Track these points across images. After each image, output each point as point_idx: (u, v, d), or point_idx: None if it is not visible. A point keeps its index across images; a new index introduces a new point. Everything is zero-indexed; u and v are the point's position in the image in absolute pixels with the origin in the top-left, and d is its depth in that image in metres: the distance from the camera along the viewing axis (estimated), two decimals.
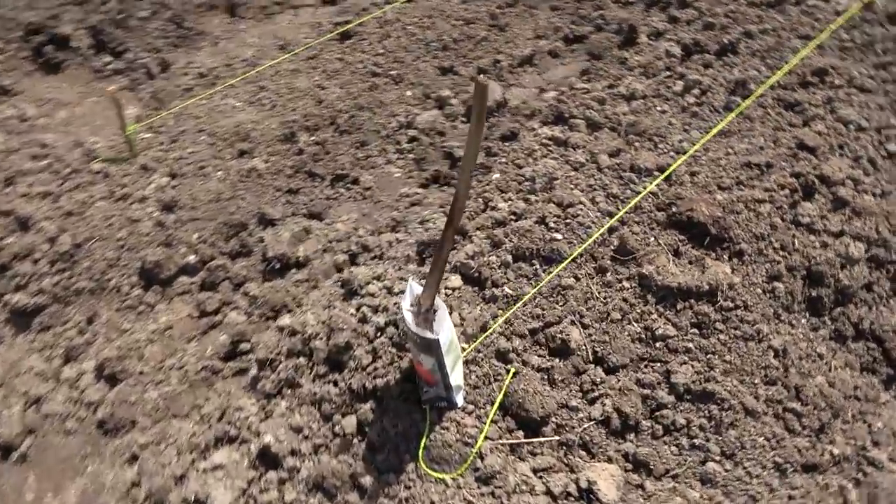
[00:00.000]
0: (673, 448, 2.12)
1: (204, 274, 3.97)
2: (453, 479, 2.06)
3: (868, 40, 3.23)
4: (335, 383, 2.31)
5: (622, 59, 3.74)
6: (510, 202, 2.87)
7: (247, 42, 5.99)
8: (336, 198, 4.38)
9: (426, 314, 1.90)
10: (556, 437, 2.16)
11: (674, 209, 2.62)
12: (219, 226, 4.16)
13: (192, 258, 3.98)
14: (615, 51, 3.89)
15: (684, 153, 2.92)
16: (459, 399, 2.20)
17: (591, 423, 2.18)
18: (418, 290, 1.97)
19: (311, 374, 2.38)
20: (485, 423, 2.13)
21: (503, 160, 3.25)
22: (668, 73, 3.43)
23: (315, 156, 4.56)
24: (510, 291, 2.49)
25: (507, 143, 3.36)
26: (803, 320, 2.35)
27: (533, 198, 2.84)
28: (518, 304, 2.41)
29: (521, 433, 2.14)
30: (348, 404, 2.25)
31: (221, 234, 4.14)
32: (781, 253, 2.45)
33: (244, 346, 3.25)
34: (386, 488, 2.08)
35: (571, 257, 2.52)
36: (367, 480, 2.11)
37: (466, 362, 2.29)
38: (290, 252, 3.89)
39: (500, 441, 2.11)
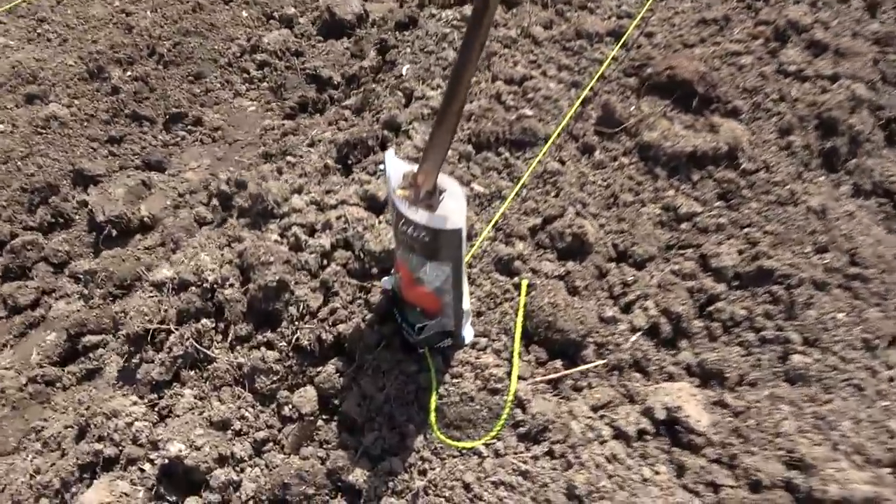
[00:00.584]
0: (738, 348, 1.61)
1: (5, 258, 2.85)
2: (488, 444, 1.37)
3: None
4: (269, 345, 1.50)
5: None
6: (440, 89, 2.17)
7: None
8: (177, 143, 3.36)
9: (429, 199, 1.18)
10: (603, 361, 1.55)
11: (649, 70, 2.09)
12: (16, 193, 2.98)
13: None
14: None
15: (627, 16, 2.41)
16: (469, 333, 1.51)
17: (638, 334, 1.60)
18: (402, 165, 1.23)
19: (226, 339, 1.54)
20: (510, 359, 1.47)
21: (407, 50, 2.53)
22: None
23: (137, 94, 3.46)
24: (481, 189, 1.82)
25: (406, 33, 2.64)
26: (822, 177, 1.96)
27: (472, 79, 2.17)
28: (511, 195, 1.75)
29: (558, 363, 1.51)
30: (298, 371, 1.47)
31: (22, 203, 2.98)
32: (783, 104, 2.04)
33: (90, 339, 2.25)
34: (389, 481, 1.34)
35: (556, 134, 1.89)
36: (357, 476, 1.35)
37: None
38: (128, 212, 2.87)
39: (538, 379, 1.46)
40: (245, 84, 3.61)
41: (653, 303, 1.64)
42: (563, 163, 1.89)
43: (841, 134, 1.98)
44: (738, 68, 2.14)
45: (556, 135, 1.88)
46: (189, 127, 3.42)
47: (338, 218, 1.66)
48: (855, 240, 1.81)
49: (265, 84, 3.60)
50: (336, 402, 1.44)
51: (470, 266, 1.64)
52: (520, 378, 1.45)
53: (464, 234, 1.23)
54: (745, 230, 1.78)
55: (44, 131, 3.24)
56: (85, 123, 3.32)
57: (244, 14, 3.95)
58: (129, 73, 3.55)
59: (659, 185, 1.84)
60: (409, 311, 1.42)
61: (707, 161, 1.87)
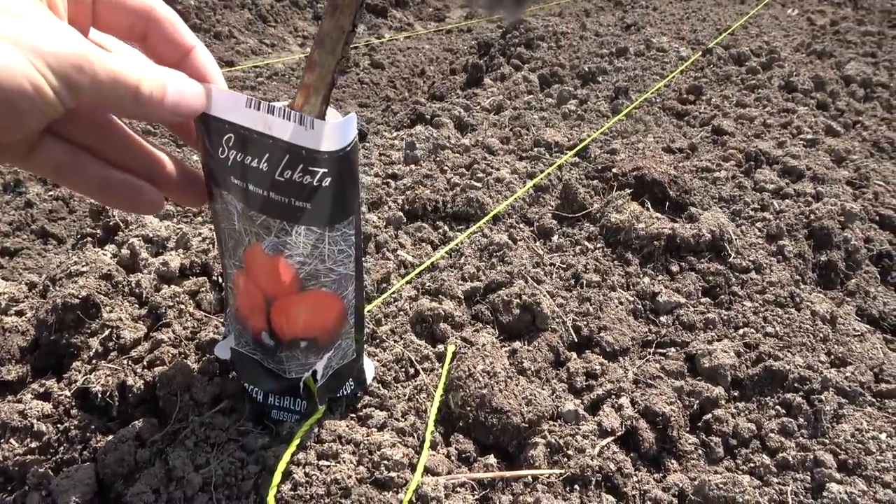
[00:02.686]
0: (754, 476, 1.08)
1: None
2: None
3: (724, 74, 2.96)
4: (45, 395, 0.91)
5: (472, 94, 3.08)
6: (374, 174, 1.82)
7: None
8: None
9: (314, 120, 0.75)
10: (560, 470, 1.00)
11: (615, 171, 1.80)
12: None
13: None
14: (459, 91, 3.24)
15: (592, 140, 2.19)
16: (369, 368, 0.97)
17: (609, 439, 1.07)
18: (271, 106, 0.81)
19: None
20: (419, 446, 0.91)
21: (370, 153, 2.24)
22: (531, 95, 2.81)
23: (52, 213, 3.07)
24: (410, 258, 1.38)
25: (364, 142, 2.38)
26: (821, 294, 1.58)
27: (415, 166, 1.85)
28: (430, 260, 1.30)
29: (491, 459, 0.95)
30: (76, 438, 0.87)
31: None
32: (765, 213, 1.72)
33: None
34: None
35: (493, 213, 1.50)
36: None
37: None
38: None
39: (460, 478, 0.89)
40: None
41: (629, 400, 1.13)
42: (514, 240, 1.49)
43: (836, 247, 1.65)
44: (711, 181, 1.87)
45: (500, 207, 1.50)
46: None
47: (203, 238, 1.18)
48: (876, 357, 1.37)
49: None
50: (121, 488, 0.84)
51: (377, 323, 1.14)
52: (430, 472, 0.89)
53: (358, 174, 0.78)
54: (742, 330, 1.34)
55: None
56: None
57: None
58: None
59: (631, 271, 1.43)
60: (287, 359, 0.89)
61: (687, 251, 1.49)
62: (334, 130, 0.74)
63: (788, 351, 1.29)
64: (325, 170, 0.74)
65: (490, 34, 4.47)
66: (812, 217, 1.69)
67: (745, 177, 1.92)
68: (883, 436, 1.15)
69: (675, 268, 1.46)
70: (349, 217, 0.79)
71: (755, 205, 1.75)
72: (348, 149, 0.75)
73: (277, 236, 0.78)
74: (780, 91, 2.80)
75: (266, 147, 0.73)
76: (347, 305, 0.85)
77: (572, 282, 1.39)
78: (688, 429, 1.15)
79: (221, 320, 1.03)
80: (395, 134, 2.43)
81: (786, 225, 1.66)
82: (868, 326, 1.59)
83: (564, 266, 1.43)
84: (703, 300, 1.41)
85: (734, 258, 1.49)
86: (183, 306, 1.01)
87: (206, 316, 1.03)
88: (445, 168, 1.78)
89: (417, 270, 1.26)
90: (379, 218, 1.49)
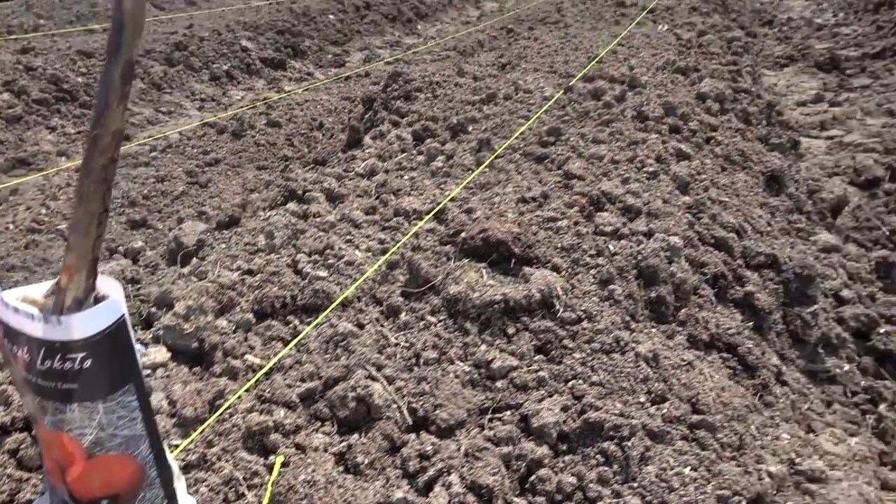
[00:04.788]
0: None
1: None
2: None
3: (583, 110, 3.16)
4: None
5: (351, 157, 3.19)
6: (237, 267, 1.89)
7: None
8: None
9: (78, 308, 0.81)
10: None
11: (463, 236, 1.92)
12: None
13: None
14: (339, 154, 3.35)
15: (452, 200, 2.32)
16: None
17: None
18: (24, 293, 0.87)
19: None
20: None
21: (222, 246, 2.29)
22: (405, 153, 2.94)
23: None
24: (257, 361, 1.45)
25: (225, 232, 2.43)
26: (653, 329, 1.72)
27: (273, 256, 1.91)
28: (273, 361, 1.37)
29: None
30: None
31: None
32: (600, 258, 1.86)
33: None
34: None
35: (340, 298, 1.60)
36: None
37: (189, 468, 1.14)
38: None
39: None
40: None
41: (457, 477, 1.22)
42: (361, 326, 1.58)
43: (663, 282, 1.81)
44: (555, 231, 2.01)
45: (348, 292, 1.59)
46: None
47: None
48: (695, 387, 1.52)
49: None
50: None
51: (207, 444, 1.20)
52: None
53: (133, 336, 0.85)
54: (570, 383, 1.46)
55: None
56: None
57: None
58: None
59: (469, 341, 1.54)
60: None
61: (521, 312, 1.61)
62: (88, 318, 0.80)
63: (610, 398, 1.42)
64: (84, 353, 0.81)
65: (374, 87, 4.60)
66: (640, 257, 1.85)
67: (586, 222, 2.08)
68: (687, 469, 1.28)
69: (511, 330, 1.58)
70: (125, 386, 0.86)
71: (592, 251, 1.90)
72: (108, 330, 0.82)
73: (54, 415, 0.84)
74: (633, 121, 3.02)
75: (25, 340, 0.79)
76: (143, 462, 0.92)
77: (413, 360, 1.49)
78: (517, 492, 1.26)
79: (41, 477, 1.08)
80: (266, 215, 2.50)
81: (617, 268, 1.81)
82: (697, 353, 1.75)
83: (408, 345, 1.53)
84: (536, 358, 1.53)
85: (564, 312, 1.63)
86: (2, 468, 1.05)
87: (25, 475, 1.07)
88: (299, 258, 1.86)
89: (254, 379, 1.33)
90: (229, 322, 1.56)
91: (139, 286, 3.33)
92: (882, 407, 2.27)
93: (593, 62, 4.43)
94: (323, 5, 9.93)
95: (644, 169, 2.48)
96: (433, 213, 2.12)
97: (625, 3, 7.42)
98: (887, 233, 3.59)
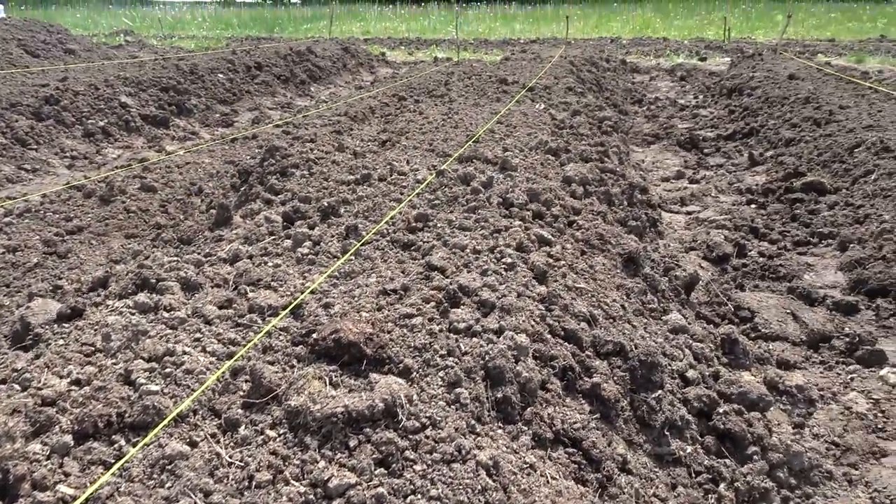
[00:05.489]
0: None
1: None
2: None
3: (453, 195, 3.26)
4: None
5: (217, 238, 3.10)
6: (68, 374, 1.76)
7: None
8: None
9: None
10: None
11: (315, 336, 1.89)
12: None
13: None
14: (206, 232, 3.24)
15: (311, 292, 2.29)
16: None
17: None
18: None
19: None
20: None
21: (60, 342, 2.13)
22: (272, 237, 2.89)
23: None
24: (70, 491, 1.33)
25: (66, 325, 2.26)
26: (500, 430, 1.76)
27: (109, 361, 1.80)
28: (89, 492, 1.26)
29: None
30: None
31: None
32: (450, 359, 1.89)
33: None
34: None
35: (173, 414, 1.52)
36: None
37: None
38: None
39: None
40: None
41: None
42: (193, 444, 1.51)
43: (509, 382, 1.86)
44: (409, 329, 2.03)
45: (183, 406, 1.51)
46: None
47: None
48: (532, 493, 1.55)
49: None
50: None
51: None
52: None
53: None
54: (409, 499, 1.45)
55: None
56: None
57: None
58: None
59: (308, 458, 1.51)
60: None
61: (364, 423, 1.60)
62: None
63: None
64: None
65: (251, 160, 4.54)
66: (488, 357, 1.90)
67: (441, 318, 2.12)
68: None
69: (353, 442, 1.56)
70: None
71: (443, 351, 1.93)
72: None
73: None
74: (499, 208, 3.15)
75: None
76: None
77: (247, 483, 1.43)
78: None
79: None
80: (114, 305, 2.36)
81: (465, 370, 1.85)
82: (541, 453, 1.80)
83: (242, 465, 1.48)
84: (376, 472, 1.51)
85: (408, 421, 1.63)
86: None
87: None
88: (135, 365, 1.76)
89: None
90: (44, 446, 1.44)
91: None
92: (721, 486, 2.42)
93: (470, 141, 4.61)
94: (212, 63, 9.80)
95: (503, 259, 2.58)
96: (289, 308, 2.09)
97: (507, 80, 7.84)
98: (733, 308, 3.91)
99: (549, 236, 3.06)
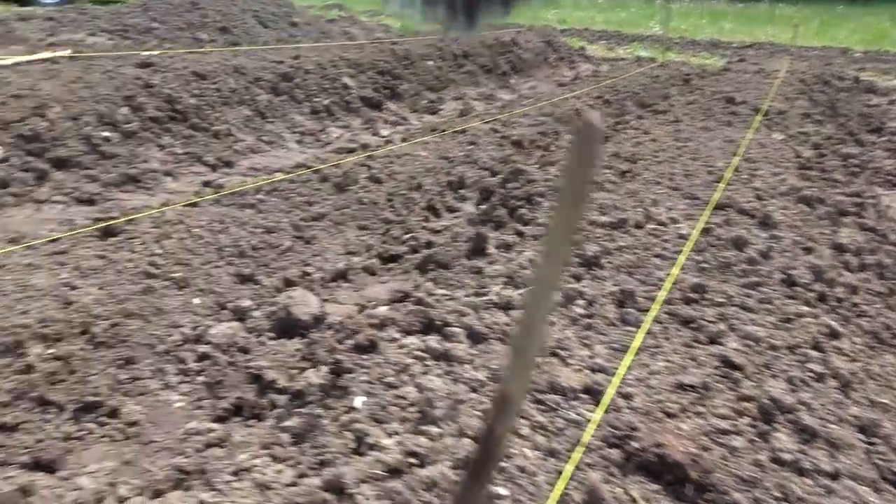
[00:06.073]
0: None
1: None
2: None
3: (724, 261, 3.00)
4: None
5: (476, 270, 3.09)
6: (397, 437, 1.79)
7: None
8: (81, 437, 2.78)
9: None
10: None
11: (634, 445, 1.78)
12: None
13: None
14: (463, 260, 3.25)
15: (601, 370, 2.19)
16: None
17: None
18: None
19: None
20: None
21: (364, 377, 2.20)
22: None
23: (52, 376, 2.97)
24: None
25: (365, 356, 2.34)
26: None
27: (435, 430, 1.81)
28: None
29: None
30: None
31: None
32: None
33: None
34: None
35: None
36: None
37: None
38: None
39: None
40: (179, 375, 3.18)
41: None
42: None
43: None
44: (730, 451, 1.86)
45: None
46: (101, 418, 2.88)
47: None
48: None
49: (200, 378, 3.18)
50: None
51: None
52: None
53: None
54: None
55: None
56: None
57: (195, 301, 3.69)
58: (51, 350, 3.11)
59: None
60: None
61: None
62: None
63: None
64: None
65: (489, 179, 4.51)
66: None
67: (761, 441, 1.92)
68: None
69: None
70: None
71: (776, 491, 1.74)
72: None
73: None
74: (781, 286, 2.84)
75: None
76: None
77: None
78: None
79: None
80: (403, 340, 2.40)
81: None
82: None
83: None
84: None
85: None
86: None
87: None
88: (460, 445, 1.74)
89: None
90: None
91: (249, 356, 3.27)
92: None
93: (718, 183, 4.26)
94: (423, 50, 9.99)
95: (807, 364, 2.31)
96: (600, 411, 1.99)
97: (734, 99, 7.23)
98: None
99: (838, 327, 2.72)
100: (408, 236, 4.77)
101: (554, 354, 2.29)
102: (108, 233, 4.23)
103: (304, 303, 3.63)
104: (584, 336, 2.42)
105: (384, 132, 7.70)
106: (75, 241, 4.16)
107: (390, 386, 2.11)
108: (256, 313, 3.68)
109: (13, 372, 2.95)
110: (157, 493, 2.33)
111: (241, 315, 3.65)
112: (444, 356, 2.26)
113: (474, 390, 2.05)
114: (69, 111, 5.75)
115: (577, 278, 2.86)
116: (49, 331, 3.17)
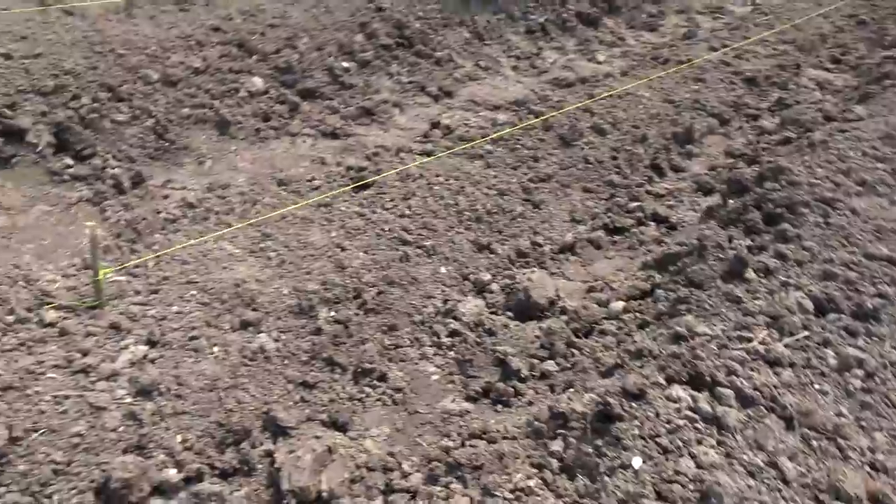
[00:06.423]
0: None
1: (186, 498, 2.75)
2: None
3: None
4: None
5: (732, 298, 3.04)
6: None
7: (237, 167, 4.95)
8: (361, 399, 3.30)
9: None
10: None
11: None
12: (212, 426, 2.97)
13: (171, 472, 2.78)
14: (718, 282, 3.20)
15: (882, 469, 2.18)
16: None
17: None
18: None
19: None
20: None
21: (635, 432, 2.38)
22: (806, 333, 2.75)
23: (336, 338, 3.50)
24: None
25: (634, 403, 2.51)
26: None
27: None
28: None
29: None
30: None
31: (214, 438, 2.95)
32: None
33: None
34: None
35: None
36: None
37: None
38: (310, 484, 2.76)
39: None
40: (433, 347, 3.58)
41: None
42: None
43: None
44: None
45: None
46: (374, 381, 3.38)
47: None
48: None
49: (452, 353, 3.56)
50: None
51: None
52: None
53: None
54: None
55: (250, 364, 3.29)
56: (286, 361, 3.35)
57: (443, 270, 4.02)
58: (333, 313, 3.62)
59: None
60: None
61: None
62: None
63: None
64: None
65: (742, 171, 4.23)
66: None
67: None
68: None
69: None
70: None
71: None
72: None
73: None
74: None
75: None
76: None
77: None
78: None
79: None
80: (673, 393, 2.50)
81: None
82: None
83: None
84: None
85: None
86: None
87: None
88: None
89: None
90: None
91: (494, 339, 3.56)
92: None
93: None
94: None
95: None
96: None
97: None
98: None
99: None
100: (634, 205, 4.71)
101: (829, 439, 2.29)
102: (359, 184, 4.62)
103: (542, 286, 3.83)
104: (859, 416, 2.39)
105: (601, 57, 7.32)
106: (331, 187, 4.60)
107: (665, 450, 2.27)
108: (494, 287, 3.95)
109: (308, 332, 3.50)
110: (433, 478, 2.75)
111: (480, 288, 3.94)
112: (714, 421, 2.36)
113: (752, 475, 2.15)
114: (315, 41, 6.09)
115: (850, 332, 2.74)
116: (331, 295, 3.67)
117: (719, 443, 2.29)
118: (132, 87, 4.94)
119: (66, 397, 2.92)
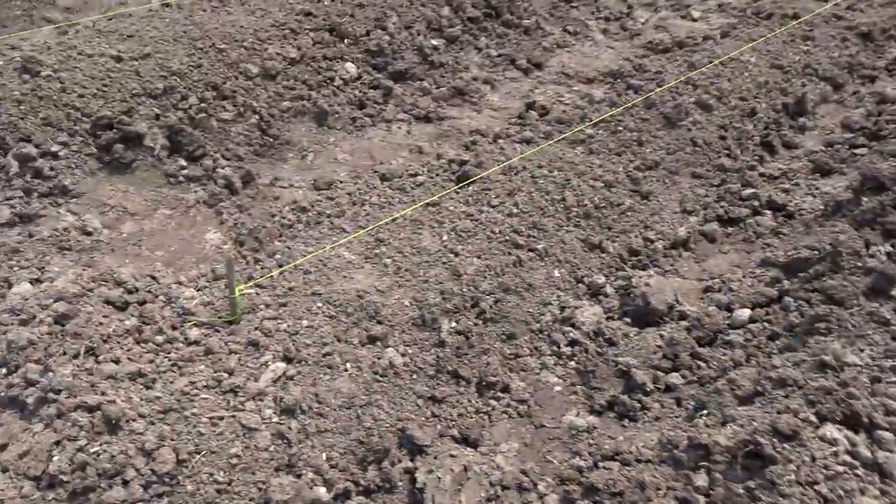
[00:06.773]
0: None
1: None
2: None
3: None
4: None
5: (877, 316, 2.91)
6: None
7: (338, 158, 4.97)
8: (488, 413, 3.38)
9: None
10: None
11: None
12: (353, 444, 3.11)
13: (321, 491, 2.95)
14: (862, 300, 3.06)
15: None
16: None
17: None
18: None
19: None
20: None
21: (791, 477, 2.36)
22: None
23: (458, 350, 3.56)
24: None
25: (787, 444, 2.47)
26: None
27: None
28: None
29: None
30: None
31: (356, 456, 3.10)
32: None
33: None
34: None
35: None
36: None
37: None
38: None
39: None
40: (553, 357, 3.60)
41: None
42: None
43: None
44: None
45: None
46: (498, 394, 3.45)
47: None
48: None
49: (573, 363, 3.57)
50: None
51: None
52: None
53: None
54: None
55: (381, 380, 3.40)
56: (414, 376, 3.44)
57: (556, 273, 3.99)
58: (454, 324, 3.67)
59: None
60: None
61: None
62: None
63: None
64: None
65: (879, 166, 3.93)
66: None
67: None
68: None
69: None
70: None
71: None
72: None
73: None
74: None
75: None
76: None
77: None
78: None
79: None
80: (827, 434, 2.45)
81: None
82: None
83: None
84: None
85: None
86: None
87: None
88: None
89: None
90: None
91: (616, 350, 3.55)
92: None
93: None
94: None
95: None
96: None
97: None
98: None
99: None
100: (748, 192, 4.50)
101: None
102: (461, 178, 4.58)
103: (660, 290, 3.76)
104: None
105: (696, 13, 6.88)
106: (437, 184, 4.58)
107: (825, 500, 2.25)
108: (608, 290, 3.90)
109: (432, 345, 3.57)
110: (570, 501, 2.82)
111: (595, 291, 3.90)
112: (875, 467, 2.31)
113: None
114: (403, 20, 5.94)
115: None
116: (450, 305, 3.71)
117: (883, 492, 2.24)
118: (235, 84, 4.97)
119: (221, 418, 3.09)
